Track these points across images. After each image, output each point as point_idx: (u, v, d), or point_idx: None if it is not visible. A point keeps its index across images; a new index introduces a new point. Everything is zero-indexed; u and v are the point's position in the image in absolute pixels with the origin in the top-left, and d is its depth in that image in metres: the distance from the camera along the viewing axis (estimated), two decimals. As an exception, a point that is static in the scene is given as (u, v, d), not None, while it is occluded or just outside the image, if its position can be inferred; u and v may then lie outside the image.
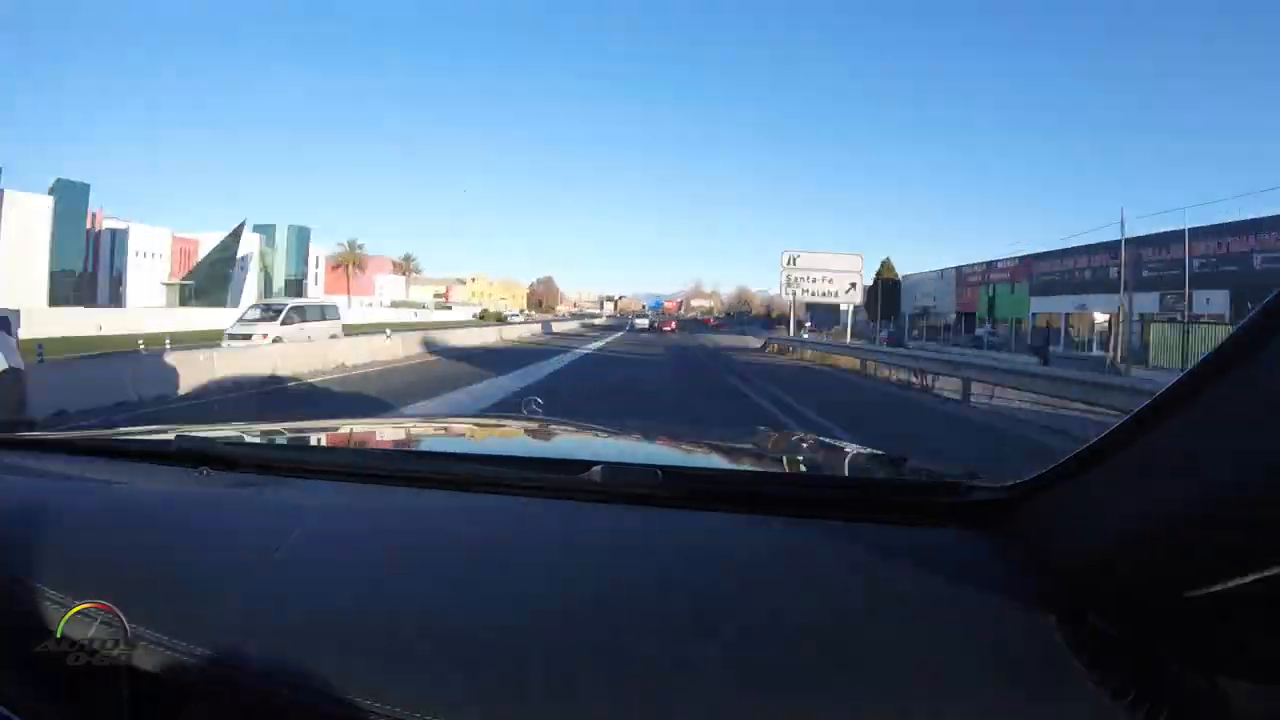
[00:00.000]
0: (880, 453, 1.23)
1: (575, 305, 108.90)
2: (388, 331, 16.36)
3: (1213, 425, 0.43)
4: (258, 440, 1.23)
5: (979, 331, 31.91)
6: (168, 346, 11.65)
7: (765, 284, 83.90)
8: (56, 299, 33.93)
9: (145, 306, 34.85)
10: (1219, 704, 0.48)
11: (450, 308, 69.30)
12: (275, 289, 54.61)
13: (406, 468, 0.96)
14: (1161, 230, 24.16)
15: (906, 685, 0.50)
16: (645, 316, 56.86)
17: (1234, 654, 0.49)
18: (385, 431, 1.64)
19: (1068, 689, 0.50)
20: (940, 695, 0.50)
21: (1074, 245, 28.62)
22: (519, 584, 0.64)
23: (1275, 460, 0.38)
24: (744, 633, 0.56)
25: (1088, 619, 0.54)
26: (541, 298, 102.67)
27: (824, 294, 24.11)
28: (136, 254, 48.05)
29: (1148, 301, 23.05)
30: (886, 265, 43.32)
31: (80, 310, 27.08)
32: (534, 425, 1.53)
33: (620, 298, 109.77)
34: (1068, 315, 28.77)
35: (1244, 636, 0.48)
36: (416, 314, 53.93)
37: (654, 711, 0.50)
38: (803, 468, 1.28)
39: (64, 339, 15.41)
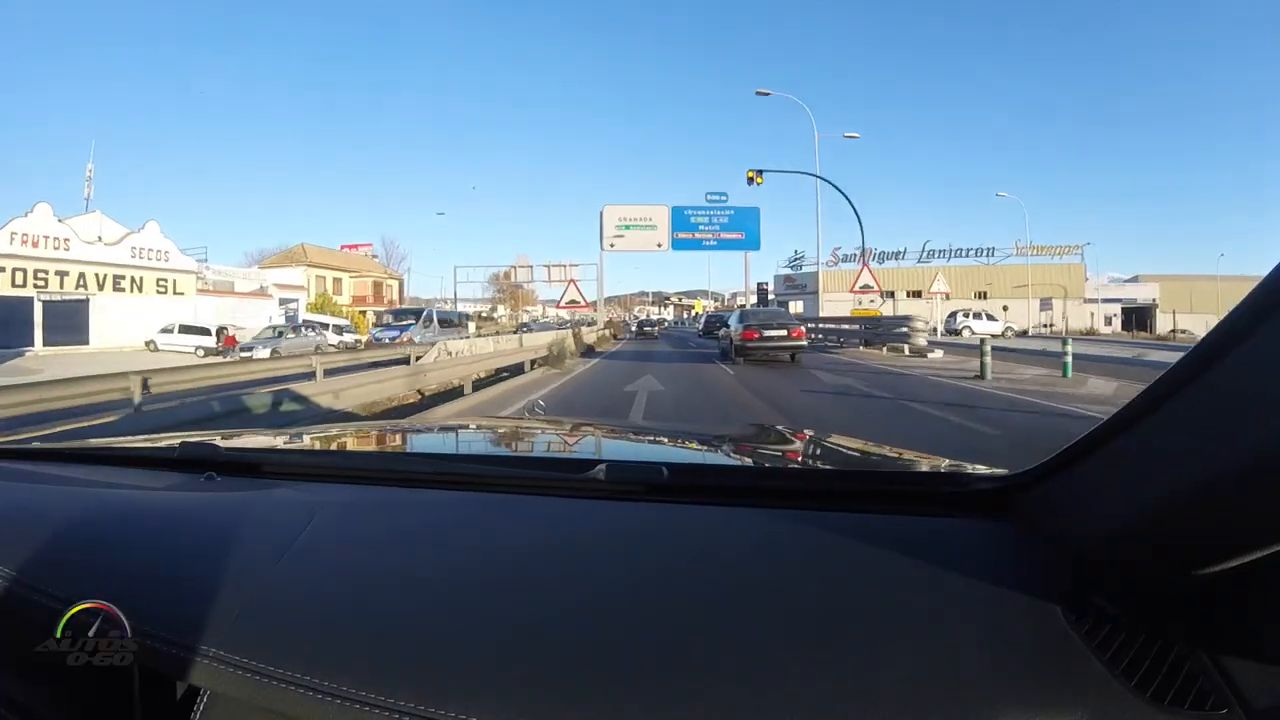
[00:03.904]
0: (883, 445, 1.23)
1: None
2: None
3: (1210, 411, 0.44)
4: (261, 445, 1.23)
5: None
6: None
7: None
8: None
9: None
10: (1224, 683, 0.48)
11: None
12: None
13: (411, 469, 0.96)
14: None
15: (916, 672, 0.50)
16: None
17: (1237, 634, 0.49)
18: (389, 434, 1.65)
19: (1074, 671, 0.50)
20: (950, 680, 0.50)
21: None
22: (525, 583, 0.64)
23: (1271, 445, 0.39)
24: (752, 627, 0.56)
25: (1093, 602, 0.54)
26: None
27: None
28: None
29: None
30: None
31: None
32: (537, 425, 1.54)
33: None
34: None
35: (1246, 616, 0.48)
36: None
37: (663, 707, 0.49)
38: (806, 462, 1.27)
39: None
